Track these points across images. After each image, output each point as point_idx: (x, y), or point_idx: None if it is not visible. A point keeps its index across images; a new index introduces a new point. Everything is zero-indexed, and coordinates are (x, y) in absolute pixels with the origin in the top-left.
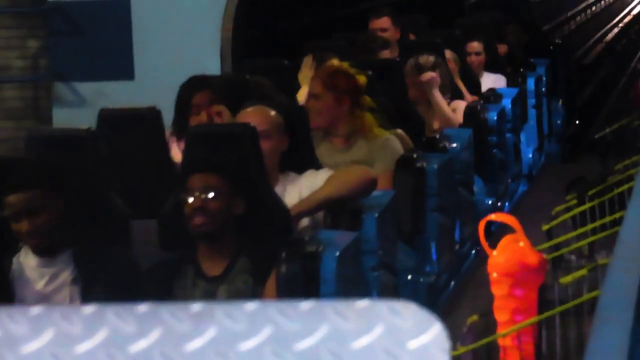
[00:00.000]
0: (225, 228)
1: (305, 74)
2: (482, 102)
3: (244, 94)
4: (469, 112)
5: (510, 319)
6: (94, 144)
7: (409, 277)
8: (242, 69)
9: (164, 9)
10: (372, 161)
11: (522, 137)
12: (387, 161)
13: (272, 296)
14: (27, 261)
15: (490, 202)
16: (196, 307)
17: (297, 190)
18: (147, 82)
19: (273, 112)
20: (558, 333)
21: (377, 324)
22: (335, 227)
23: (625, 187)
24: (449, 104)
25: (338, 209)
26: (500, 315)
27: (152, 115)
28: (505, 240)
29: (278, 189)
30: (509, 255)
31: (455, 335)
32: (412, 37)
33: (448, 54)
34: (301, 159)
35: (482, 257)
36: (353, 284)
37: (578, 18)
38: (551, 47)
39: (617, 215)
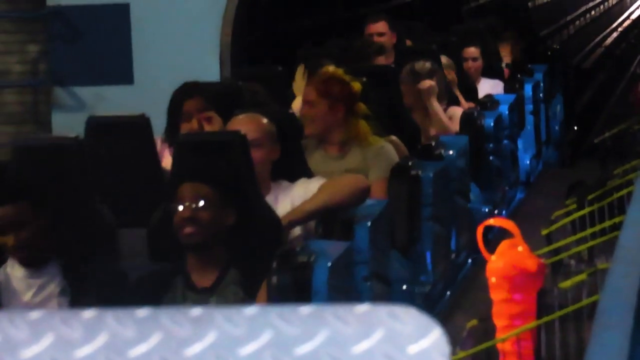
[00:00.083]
0: (215, 239)
1: (299, 84)
2: (478, 108)
3: (237, 101)
4: (466, 118)
5: (510, 323)
6: (81, 153)
7: (404, 287)
8: (236, 75)
9: (163, 13)
10: (367, 169)
11: (520, 144)
12: (382, 169)
13: None
14: (13, 272)
15: (487, 209)
16: (196, 311)
17: (289, 199)
18: (147, 87)
19: (265, 120)
20: (557, 338)
21: (377, 328)
22: (327, 236)
23: (625, 191)
24: (445, 110)
25: (330, 219)
26: (500, 320)
27: (142, 122)
28: (503, 245)
29: (269, 198)
30: (508, 260)
31: (455, 340)
32: (408, 42)
33: (444, 60)
34: (293, 168)
35: (479, 266)
36: (345, 294)
37: (577, 22)
38: (549, 53)
39: (616, 219)
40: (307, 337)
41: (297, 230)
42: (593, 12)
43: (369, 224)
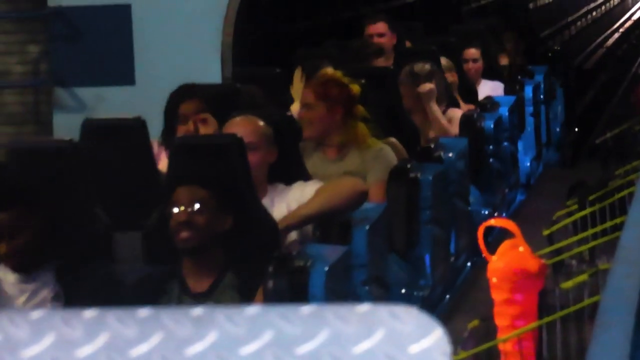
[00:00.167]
0: (212, 243)
1: (297, 87)
2: (478, 110)
3: (234, 103)
4: (466, 120)
5: (511, 324)
6: (76, 156)
7: (403, 290)
8: (234, 77)
9: (165, 14)
10: (365, 172)
11: (520, 146)
12: (381, 172)
13: None
14: (6, 277)
15: (486, 212)
16: (197, 311)
17: (285, 202)
18: (148, 88)
19: (261, 123)
20: (559, 338)
21: (378, 328)
22: (325, 240)
23: (626, 192)
24: (444, 112)
25: (327, 222)
26: (501, 320)
27: (138, 125)
28: (504, 246)
29: (266, 201)
30: (509, 260)
31: (456, 341)
32: (408, 44)
33: (444, 61)
34: (290, 170)
35: (479, 269)
36: (343, 298)
37: (579, 23)
38: (550, 54)
39: (618, 220)
40: (308, 336)
41: (293, 234)
42: (594, 13)
43: (367, 227)
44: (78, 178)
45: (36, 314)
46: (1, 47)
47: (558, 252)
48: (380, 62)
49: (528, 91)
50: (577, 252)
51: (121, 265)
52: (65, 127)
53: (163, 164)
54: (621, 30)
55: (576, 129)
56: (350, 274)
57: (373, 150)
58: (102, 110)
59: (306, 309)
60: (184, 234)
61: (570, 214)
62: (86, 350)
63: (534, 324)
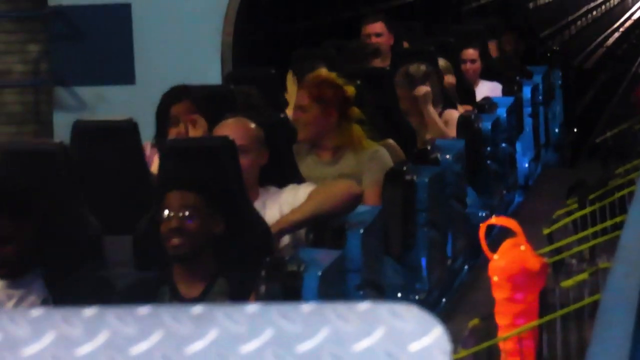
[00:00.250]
0: (203, 249)
1: (290, 92)
2: (476, 111)
3: (227, 105)
4: (463, 122)
5: (512, 322)
6: (65, 159)
7: (398, 294)
8: (229, 78)
9: (165, 13)
10: (361, 174)
11: (518, 147)
12: (376, 174)
13: None
14: None
15: (484, 214)
16: (197, 309)
17: (278, 205)
18: (148, 87)
19: (252, 125)
20: (559, 337)
21: (378, 326)
22: (318, 244)
23: (626, 191)
24: (441, 114)
25: (321, 226)
26: (502, 318)
27: (129, 127)
28: (506, 244)
29: (257, 204)
30: (510, 259)
31: (455, 341)
32: (405, 44)
33: (442, 62)
34: (282, 173)
35: (476, 272)
36: None
37: (579, 22)
38: (549, 54)
39: (618, 219)
40: (308, 334)
41: (286, 238)
42: (594, 13)
43: (361, 231)
44: (68, 181)
45: (36, 313)
46: (1, 47)
47: (558, 251)
48: (377, 62)
49: (526, 92)
50: (577, 251)
51: (111, 270)
52: (66, 126)
53: (156, 166)
54: (621, 29)
55: (575, 130)
56: (344, 278)
57: (368, 152)
58: (102, 109)
59: (306, 307)
60: (175, 241)
61: (570, 213)
62: (86, 348)
63: (535, 323)
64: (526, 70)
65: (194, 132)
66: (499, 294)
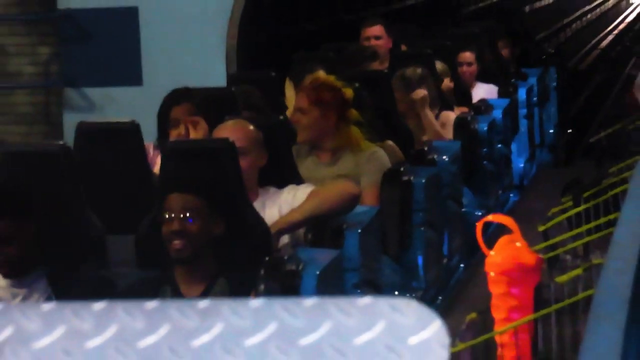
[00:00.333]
0: (204, 250)
1: (289, 98)
2: (472, 113)
3: (228, 107)
4: (460, 123)
5: (508, 316)
6: (67, 160)
7: (396, 293)
8: (230, 80)
9: (171, 16)
10: (359, 175)
11: (514, 147)
12: (374, 175)
13: None
14: None
15: (480, 214)
16: (203, 303)
17: (277, 205)
18: (155, 88)
19: (251, 127)
20: (554, 330)
21: (378, 320)
22: (317, 244)
23: (620, 189)
24: (437, 115)
25: (320, 226)
26: (498, 313)
27: (132, 128)
28: (502, 241)
29: (257, 205)
30: (506, 255)
31: (455, 331)
32: (403, 47)
33: (439, 65)
34: (282, 174)
35: (471, 271)
36: None
37: (574, 25)
38: (544, 57)
39: (611, 216)
40: (310, 328)
41: (285, 238)
42: (589, 16)
43: (359, 231)
44: (71, 181)
45: (47, 307)
46: (13, 49)
47: (553, 247)
48: (376, 65)
49: (522, 94)
50: (571, 247)
51: (113, 269)
52: (75, 126)
53: (158, 168)
54: (615, 32)
55: (569, 130)
56: (342, 277)
57: (366, 154)
58: (110, 110)
59: (309, 302)
60: (177, 244)
61: (565, 211)
62: (96, 341)
63: (530, 317)
64: (521, 72)
65: (194, 134)
66: (496, 289)
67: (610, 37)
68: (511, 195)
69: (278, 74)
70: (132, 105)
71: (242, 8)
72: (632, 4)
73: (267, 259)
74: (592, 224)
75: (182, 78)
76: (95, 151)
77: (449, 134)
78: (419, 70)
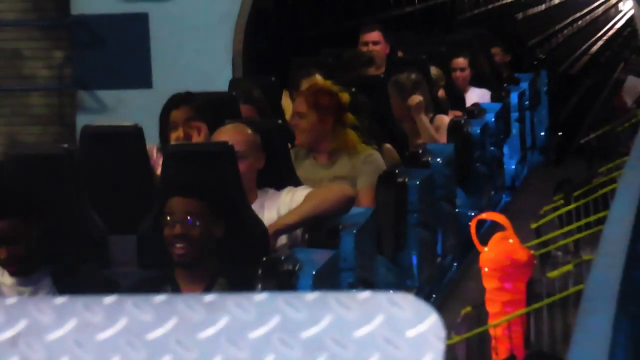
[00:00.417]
0: (205, 252)
1: (286, 107)
2: (466, 117)
3: (228, 111)
4: (453, 127)
5: (501, 310)
6: (71, 162)
7: (390, 291)
8: (231, 85)
9: (180, 22)
10: (355, 176)
11: (506, 150)
12: (370, 176)
13: None
14: (3, 280)
15: (473, 214)
16: (209, 297)
17: (276, 207)
18: (165, 91)
19: (249, 131)
20: (546, 323)
21: (377, 314)
22: (314, 244)
23: (609, 188)
24: (432, 119)
25: (316, 227)
26: (492, 307)
27: (135, 132)
28: (496, 238)
29: (256, 206)
30: (500, 251)
31: (450, 325)
32: (400, 53)
33: (434, 71)
34: (280, 176)
35: (464, 270)
36: None
37: (565, 31)
38: (535, 62)
39: (601, 214)
40: (312, 322)
41: (283, 238)
42: (580, 22)
43: (354, 231)
44: (74, 183)
45: (60, 301)
46: (28, 53)
47: (545, 244)
48: (372, 70)
49: (514, 98)
50: (562, 244)
51: (115, 269)
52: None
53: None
54: (605, 38)
55: (560, 133)
56: (338, 276)
57: (362, 156)
58: (121, 111)
59: (310, 296)
60: (180, 247)
61: (556, 209)
62: (106, 334)
63: (523, 311)
64: (514, 77)
65: (196, 139)
66: (489, 284)
67: (599, 43)
68: (503, 195)
69: (278, 79)
70: (143, 107)
71: (248, 14)
72: (620, 11)
73: (264, 259)
74: (583, 222)
75: (190, 81)
76: (98, 154)
77: (443, 137)
78: (413, 76)
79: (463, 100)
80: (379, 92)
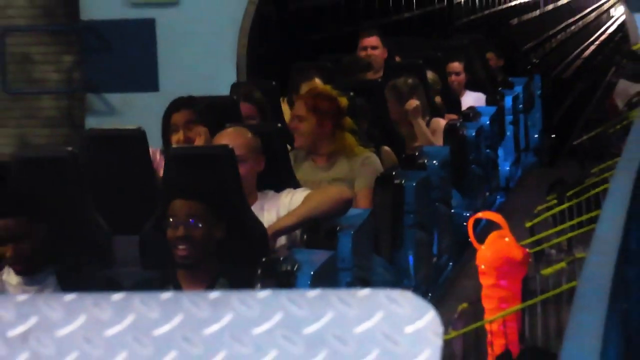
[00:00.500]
0: (206, 253)
1: (286, 113)
2: (461, 120)
3: (229, 115)
4: (449, 129)
5: (497, 306)
6: (74, 165)
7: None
8: (232, 90)
9: (186, 27)
10: (353, 178)
11: (500, 152)
12: (367, 178)
13: None
14: (9, 280)
15: (468, 215)
16: (214, 295)
17: (275, 208)
18: (171, 93)
19: (250, 134)
20: (540, 319)
21: (377, 310)
22: (312, 245)
23: (601, 188)
24: (428, 122)
25: (314, 228)
26: (488, 303)
27: (138, 135)
28: (492, 236)
29: (256, 208)
30: (496, 249)
31: (447, 321)
32: (397, 58)
33: (430, 75)
34: (280, 178)
35: (459, 270)
36: None
37: (558, 36)
38: (529, 67)
39: (593, 214)
40: (314, 318)
41: (282, 239)
42: (573, 27)
43: (352, 232)
44: (78, 185)
45: (69, 297)
46: (39, 57)
47: (539, 242)
48: (371, 75)
49: (508, 101)
50: (556, 242)
51: (119, 269)
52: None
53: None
54: (597, 43)
55: (553, 135)
56: (336, 276)
57: (360, 158)
58: (129, 113)
59: (312, 293)
60: (182, 249)
61: (550, 208)
62: (114, 329)
63: (518, 307)
64: (508, 81)
65: (197, 141)
66: (486, 281)
67: (592, 48)
68: (498, 196)
69: (278, 83)
70: (149, 110)
71: (251, 20)
72: (612, 17)
73: (264, 259)
74: (575, 221)
75: (195, 84)
76: (102, 156)
77: (439, 140)
78: (410, 81)
79: (459, 104)
80: (376, 96)
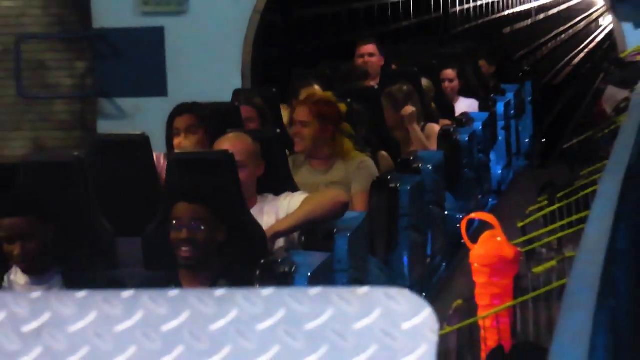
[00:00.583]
0: (208, 255)
1: (286, 119)
2: (455, 125)
3: (230, 121)
4: (443, 134)
5: (490, 303)
6: (80, 169)
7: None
8: (234, 96)
9: (193, 35)
10: (349, 182)
11: (492, 156)
12: (363, 182)
13: None
14: (17, 279)
15: (461, 217)
16: (219, 292)
17: (274, 211)
18: (179, 98)
19: (249, 141)
20: (531, 316)
21: (375, 308)
22: (309, 247)
23: (590, 190)
24: (423, 127)
25: (312, 230)
26: (481, 300)
27: (142, 141)
28: (485, 236)
29: (256, 211)
30: (489, 248)
31: (443, 317)
32: (394, 66)
33: (425, 82)
34: (278, 182)
35: (452, 270)
36: None
37: (549, 44)
38: (521, 74)
39: (582, 214)
40: (315, 315)
41: (281, 241)
42: (563, 36)
43: (348, 234)
44: (84, 189)
45: (81, 294)
46: (53, 63)
47: (530, 241)
48: (368, 82)
49: (500, 107)
50: (547, 241)
51: (123, 270)
52: (108, 132)
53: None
54: (586, 51)
55: (544, 139)
56: (332, 278)
57: (356, 162)
58: (139, 117)
59: (313, 291)
60: (186, 251)
61: (541, 209)
62: (124, 325)
63: (510, 303)
64: (500, 88)
65: (196, 146)
66: (479, 279)
67: (581, 55)
68: (490, 199)
69: (280, 89)
70: (158, 114)
71: (256, 28)
72: (601, 26)
73: (262, 261)
74: (566, 221)
75: (202, 90)
76: (107, 161)
77: (433, 144)
78: (405, 88)
79: (452, 110)
80: (373, 103)
